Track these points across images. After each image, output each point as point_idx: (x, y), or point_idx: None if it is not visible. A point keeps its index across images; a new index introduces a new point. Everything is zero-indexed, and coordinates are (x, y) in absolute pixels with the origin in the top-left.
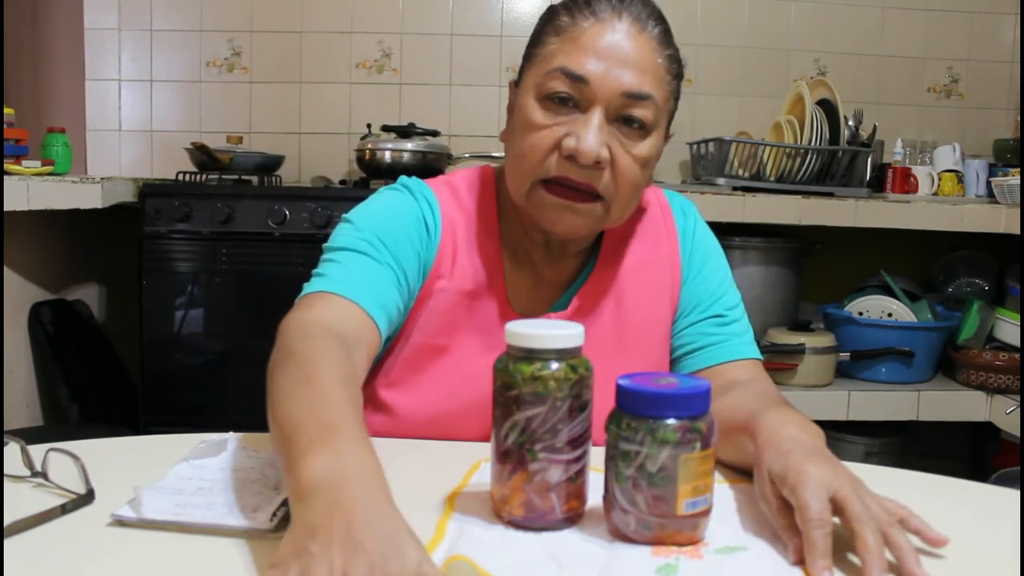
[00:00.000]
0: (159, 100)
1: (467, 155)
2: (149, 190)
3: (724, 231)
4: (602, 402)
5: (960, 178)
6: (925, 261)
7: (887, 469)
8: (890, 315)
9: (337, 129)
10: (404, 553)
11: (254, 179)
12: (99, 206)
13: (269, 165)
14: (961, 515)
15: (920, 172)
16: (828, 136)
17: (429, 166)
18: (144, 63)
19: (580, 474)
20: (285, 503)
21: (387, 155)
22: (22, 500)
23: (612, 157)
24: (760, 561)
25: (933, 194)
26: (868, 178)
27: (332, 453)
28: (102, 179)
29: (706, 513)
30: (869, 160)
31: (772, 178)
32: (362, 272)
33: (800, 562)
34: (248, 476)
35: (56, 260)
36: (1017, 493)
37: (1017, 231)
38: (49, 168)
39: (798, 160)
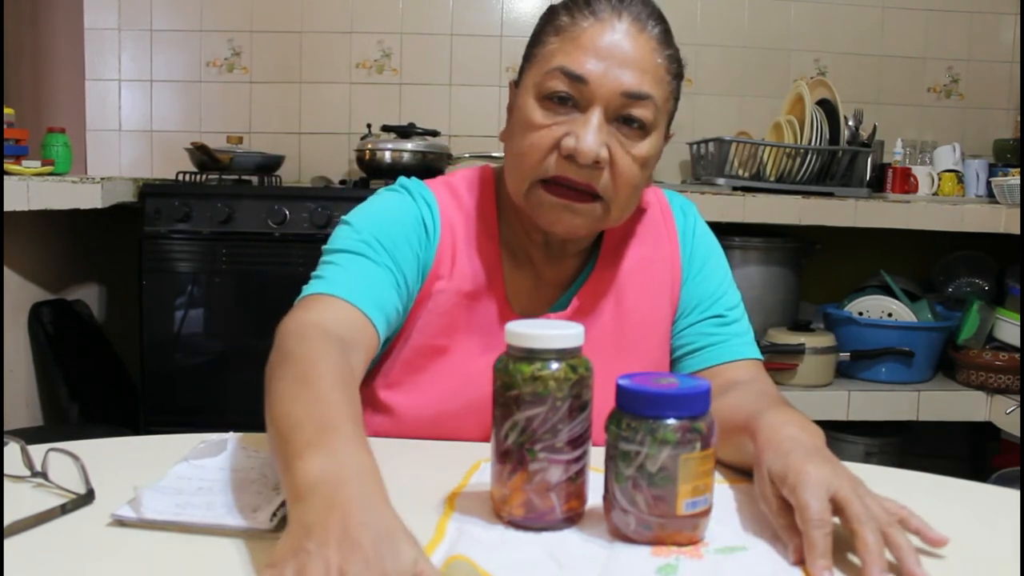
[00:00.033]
0: (159, 100)
1: (467, 155)
2: (149, 190)
3: (724, 231)
4: (602, 402)
5: (960, 178)
6: (925, 261)
7: (887, 469)
8: (890, 315)
9: (337, 129)
10: (400, 551)
11: (254, 179)
12: (99, 206)
13: (269, 165)
14: (961, 515)
15: (920, 172)
16: (828, 136)
17: (429, 166)
18: (144, 63)
19: (580, 474)
20: (285, 503)
21: (387, 155)
22: (22, 500)
23: (611, 157)
24: (760, 561)
25: (933, 194)
26: (868, 178)
27: (329, 453)
28: (102, 179)
29: (706, 513)
30: (869, 160)
31: (772, 178)
32: (360, 274)
33: (800, 562)
34: (248, 476)
35: (56, 260)
36: (1017, 493)
37: (1017, 231)
38: (49, 168)
39: (798, 160)
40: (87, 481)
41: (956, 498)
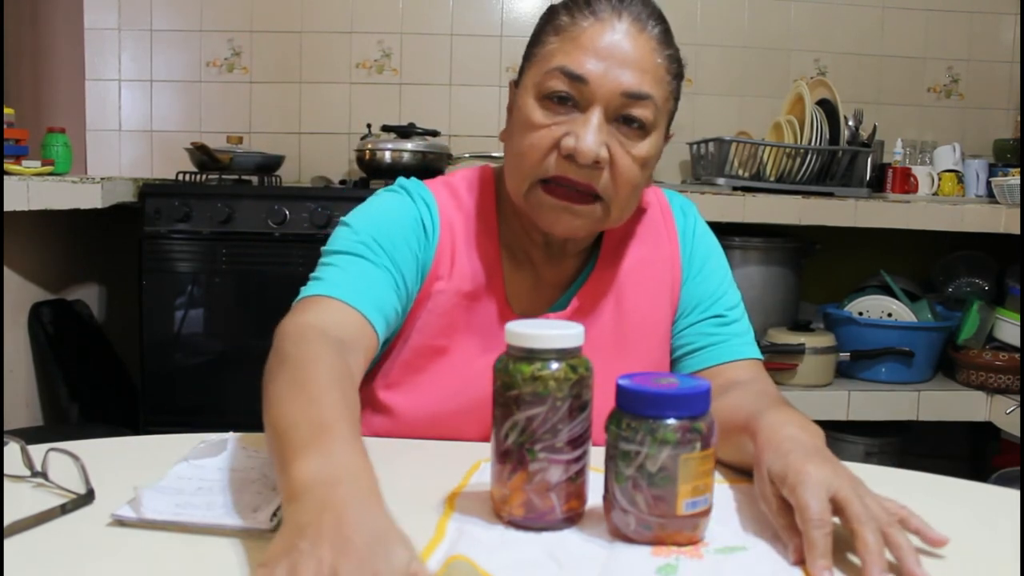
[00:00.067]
0: (159, 100)
1: (467, 155)
2: (149, 190)
3: (724, 231)
4: (602, 402)
5: (960, 178)
6: (925, 261)
7: (887, 469)
8: (890, 315)
9: (337, 129)
10: (393, 553)
11: (254, 179)
12: (99, 206)
13: (269, 165)
14: (961, 515)
15: (920, 172)
16: (828, 136)
17: (429, 166)
18: (144, 63)
19: (580, 474)
20: None
21: (387, 155)
22: (22, 500)
23: (611, 157)
24: (760, 561)
25: (933, 194)
26: (868, 178)
27: (323, 455)
28: (102, 179)
29: (706, 513)
30: (869, 160)
31: (772, 178)
32: (359, 275)
33: (800, 562)
34: (248, 476)
35: (56, 260)
36: (1017, 493)
37: (1017, 231)
38: (49, 168)
39: (798, 160)
40: (87, 481)
41: (956, 498)
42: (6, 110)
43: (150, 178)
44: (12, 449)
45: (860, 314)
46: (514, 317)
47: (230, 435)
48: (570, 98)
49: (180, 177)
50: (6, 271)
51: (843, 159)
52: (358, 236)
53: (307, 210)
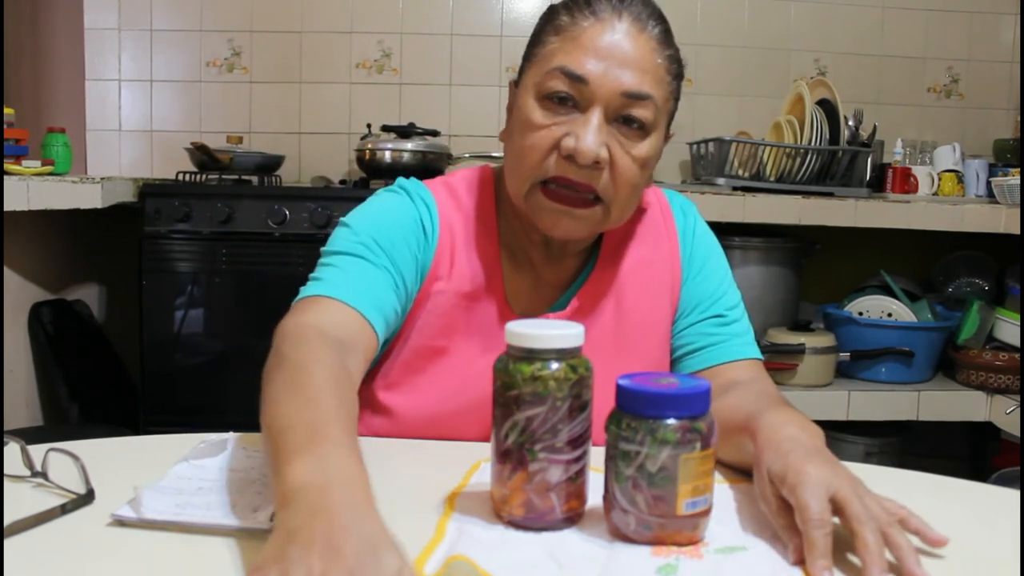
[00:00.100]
0: (159, 100)
1: (467, 155)
2: (149, 190)
3: (724, 231)
4: (602, 402)
5: (960, 178)
6: (925, 261)
7: (887, 469)
8: (890, 315)
9: (337, 129)
10: (383, 561)
11: (254, 179)
12: (99, 206)
13: (269, 165)
14: (961, 515)
15: (920, 172)
16: (828, 136)
17: (429, 166)
18: (144, 63)
19: (580, 474)
20: None
21: (387, 155)
22: (22, 500)
23: (611, 157)
24: (760, 561)
25: (933, 194)
26: (868, 178)
27: (316, 459)
28: (102, 179)
29: (706, 513)
30: (869, 160)
31: (772, 178)
32: (359, 276)
33: (800, 562)
34: (248, 476)
35: (56, 260)
36: (1017, 493)
37: (1017, 231)
38: (49, 168)
39: (798, 160)
40: (87, 481)
41: (956, 498)
42: (6, 110)
43: (150, 178)
44: (12, 449)
45: (860, 314)
46: (514, 317)
47: (230, 435)
48: (570, 98)
49: (180, 177)
50: (6, 271)
51: (843, 159)
52: (357, 236)
53: (307, 210)
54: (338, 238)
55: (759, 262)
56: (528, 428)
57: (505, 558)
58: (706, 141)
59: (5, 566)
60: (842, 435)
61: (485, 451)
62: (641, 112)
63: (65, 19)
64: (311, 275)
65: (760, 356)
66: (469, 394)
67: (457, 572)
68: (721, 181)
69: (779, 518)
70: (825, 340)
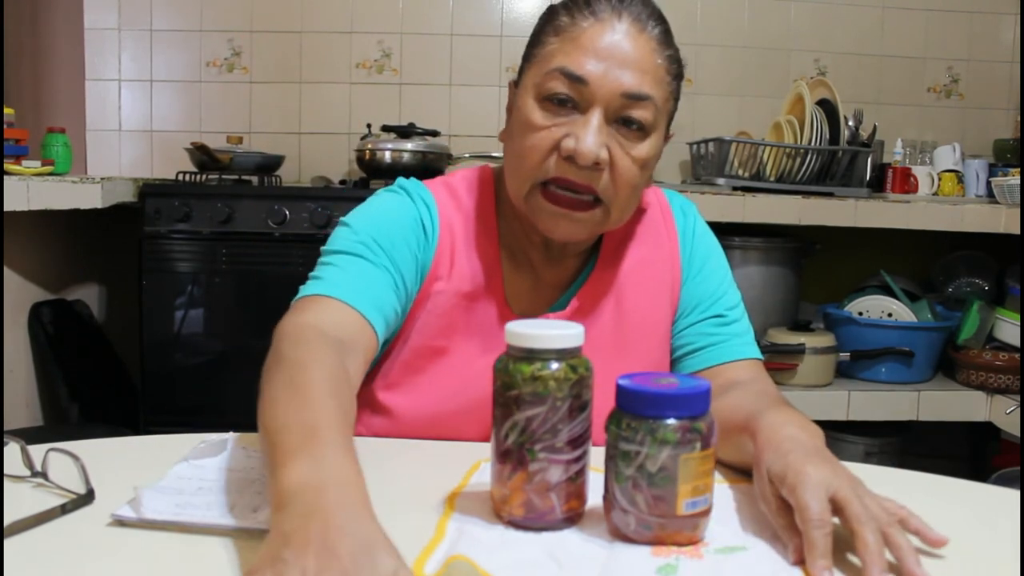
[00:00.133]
0: (159, 100)
1: (467, 155)
2: (149, 190)
3: (724, 231)
4: (602, 402)
5: (960, 178)
6: (925, 261)
7: (887, 469)
8: (890, 315)
9: (337, 129)
10: (379, 562)
11: (254, 179)
12: (99, 206)
13: (269, 165)
14: (961, 515)
15: (920, 172)
16: (828, 136)
17: (429, 166)
18: (144, 63)
19: (580, 474)
20: None
21: (387, 155)
22: (22, 500)
23: (611, 158)
24: (760, 561)
25: (933, 194)
26: (868, 178)
27: (312, 461)
28: (102, 179)
29: (706, 513)
30: (869, 160)
31: (772, 178)
32: (359, 275)
33: (800, 562)
34: (248, 476)
35: (56, 260)
36: (1017, 493)
37: (1017, 231)
38: (49, 168)
39: (798, 160)
40: (87, 481)
41: (956, 498)
42: (6, 110)
43: (150, 178)
44: (12, 449)
45: (860, 314)
46: (514, 317)
47: (230, 435)
48: (570, 100)
49: (180, 177)
50: (6, 271)
51: (843, 159)
52: (358, 236)
53: (307, 210)
54: (338, 237)
55: (759, 262)
56: (528, 428)
57: (505, 558)
58: (706, 141)
59: (5, 566)
60: (842, 435)
61: (485, 451)
62: (640, 113)
63: (65, 19)
64: (311, 274)
65: (760, 356)
66: (469, 394)
67: (457, 572)
68: (721, 181)
69: (779, 518)
70: (825, 340)
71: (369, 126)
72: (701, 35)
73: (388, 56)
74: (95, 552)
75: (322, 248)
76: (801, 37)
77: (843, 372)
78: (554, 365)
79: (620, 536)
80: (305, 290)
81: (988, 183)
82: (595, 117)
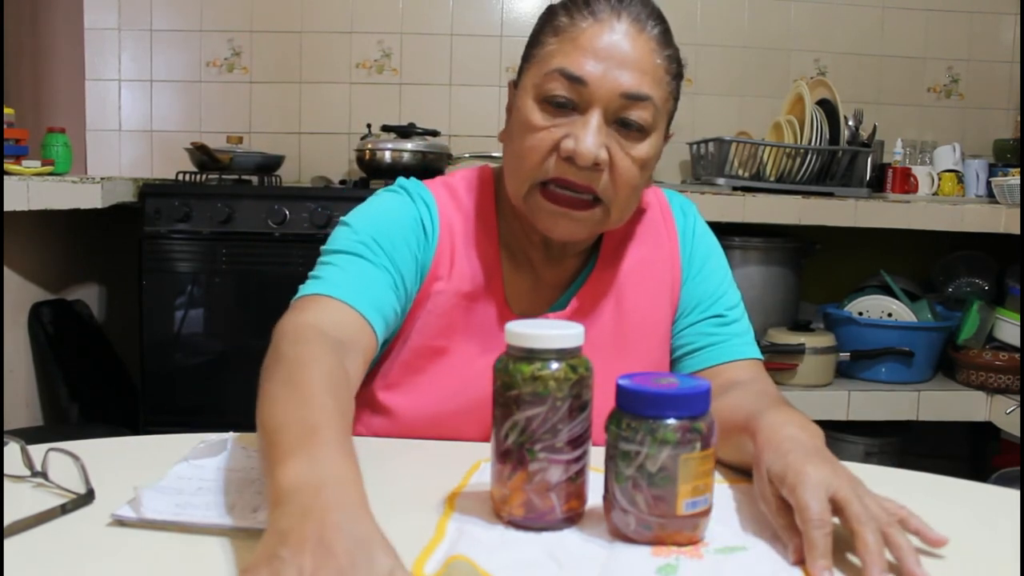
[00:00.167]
0: (159, 100)
1: (467, 155)
2: (149, 190)
3: (724, 231)
4: (602, 402)
5: (960, 178)
6: (925, 261)
7: (887, 469)
8: (890, 315)
9: (337, 129)
10: (375, 560)
11: (254, 179)
12: (99, 206)
13: (269, 165)
14: (961, 515)
15: (920, 172)
16: (828, 136)
17: (429, 166)
18: (144, 63)
19: (580, 474)
20: None
21: (387, 155)
22: (22, 500)
23: (611, 158)
24: (760, 561)
25: (933, 194)
26: (868, 178)
27: (309, 459)
28: (102, 179)
29: (706, 513)
30: (869, 160)
31: (772, 178)
32: (358, 275)
33: (800, 562)
34: (248, 476)
35: (56, 260)
36: (1017, 493)
37: (1017, 231)
38: (49, 168)
39: (798, 160)
40: (87, 481)
41: (956, 498)
42: (6, 110)
43: (150, 178)
44: (12, 449)
45: (860, 314)
46: (513, 317)
47: (230, 435)
48: (569, 102)
49: (180, 177)
50: (6, 271)
51: (843, 159)
52: (358, 236)
53: (307, 210)
54: (338, 237)
55: (759, 262)
56: (528, 428)
57: (505, 558)
58: (706, 141)
59: (5, 566)
60: (842, 435)
61: (485, 451)
62: (640, 114)
63: (65, 19)
64: (311, 274)
65: (760, 356)
66: (469, 394)
67: (457, 572)
68: (721, 181)
69: (779, 518)
70: (825, 340)
71: (369, 126)
72: (701, 35)
73: (388, 56)
74: (95, 552)
75: (322, 248)
76: (801, 37)
77: (843, 372)
78: (554, 365)
79: (620, 536)
80: (305, 289)
81: (988, 183)
82: (594, 117)
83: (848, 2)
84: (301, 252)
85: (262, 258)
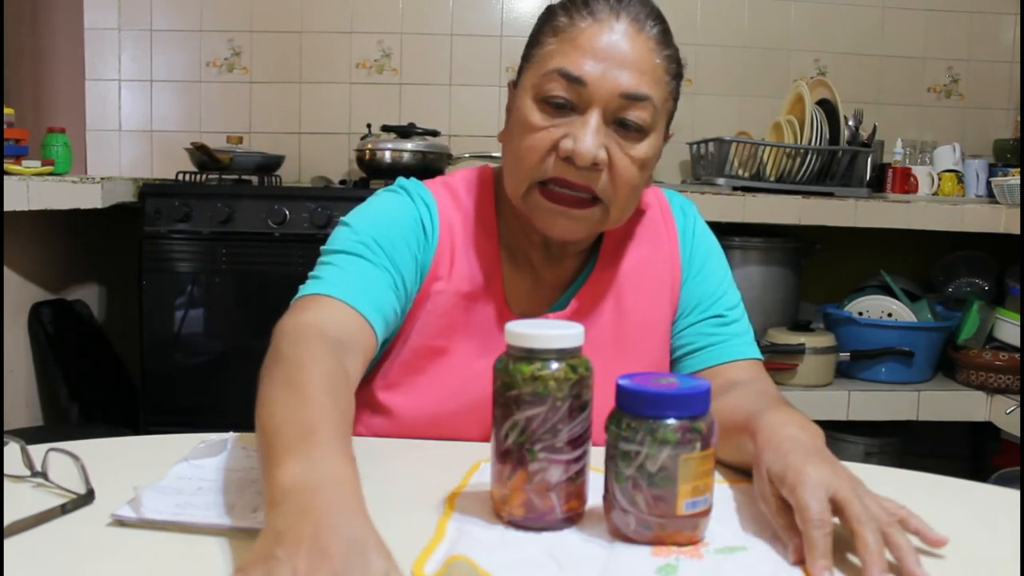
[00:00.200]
0: (159, 100)
1: (467, 155)
2: (149, 190)
3: (724, 231)
4: (602, 402)
5: (960, 178)
6: (925, 261)
7: (887, 469)
8: (890, 315)
9: (337, 129)
10: (370, 562)
11: (254, 179)
12: (99, 206)
13: (269, 165)
14: (961, 515)
15: (920, 172)
16: (828, 136)
17: (429, 166)
18: (144, 63)
19: (580, 474)
20: None
21: (387, 155)
22: (22, 500)
23: (610, 159)
24: (760, 561)
25: (933, 194)
26: (868, 178)
27: (306, 460)
28: (102, 179)
29: (706, 513)
30: (869, 160)
31: (772, 178)
32: (358, 275)
33: (800, 562)
34: (248, 476)
35: (56, 260)
36: (1017, 493)
37: (1017, 231)
38: (49, 168)
39: (798, 160)
40: (87, 481)
41: (956, 498)
42: (6, 110)
43: (150, 178)
44: (12, 449)
45: (860, 314)
46: (513, 317)
47: (230, 435)
48: (568, 103)
49: (180, 177)
50: (6, 271)
51: (843, 159)
52: (357, 236)
53: (307, 210)
54: (338, 237)
55: (759, 262)
56: (528, 428)
57: (505, 558)
58: (706, 141)
59: (5, 566)
60: (842, 435)
61: (485, 451)
62: (639, 114)
63: (65, 19)
64: (310, 274)
65: (760, 356)
66: (469, 394)
67: (457, 572)
68: (721, 181)
69: (779, 518)
70: (825, 340)
71: (369, 126)
72: (701, 35)
73: (388, 56)
74: (95, 552)
75: (322, 248)
76: (801, 37)
77: (843, 372)
78: (554, 365)
79: (620, 536)
80: (304, 289)
81: (988, 183)
82: (593, 118)
83: (848, 2)
84: (301, 252)
85: (262, 258)
